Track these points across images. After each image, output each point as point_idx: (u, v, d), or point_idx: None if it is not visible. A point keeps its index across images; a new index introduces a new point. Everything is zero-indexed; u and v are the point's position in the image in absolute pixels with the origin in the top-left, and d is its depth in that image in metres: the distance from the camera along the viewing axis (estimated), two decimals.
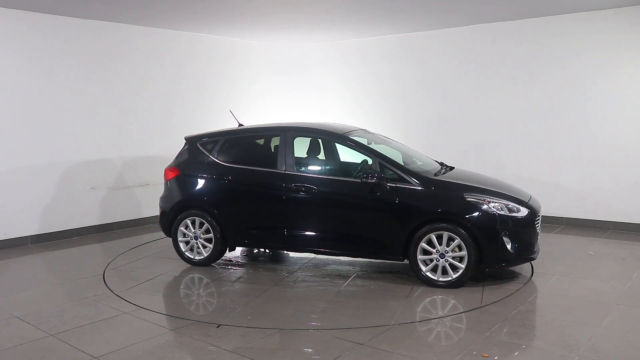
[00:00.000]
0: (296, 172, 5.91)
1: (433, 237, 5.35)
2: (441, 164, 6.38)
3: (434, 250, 5.36)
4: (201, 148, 6.41)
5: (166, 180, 6.54)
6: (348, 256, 6.04)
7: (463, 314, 4.77)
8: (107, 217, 8.30)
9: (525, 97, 8.39)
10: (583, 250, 6.85)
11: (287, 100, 10.87)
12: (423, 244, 5.39)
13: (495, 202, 5.34)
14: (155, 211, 8.64)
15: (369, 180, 5.47)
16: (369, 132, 6.65)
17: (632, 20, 7.42)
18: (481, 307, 4.88)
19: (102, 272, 6.16)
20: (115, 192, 8.36)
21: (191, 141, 6.54)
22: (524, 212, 5.42)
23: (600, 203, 7.91)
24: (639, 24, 7.39)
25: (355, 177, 5.74)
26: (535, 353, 4.00)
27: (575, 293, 5.27)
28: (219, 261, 6.50)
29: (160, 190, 7.34)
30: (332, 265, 6.29)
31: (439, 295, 5.23)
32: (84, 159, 7.97)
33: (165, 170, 6.59)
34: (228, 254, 6.75)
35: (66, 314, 4.90)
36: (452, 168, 6.27)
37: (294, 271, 6.14)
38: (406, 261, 5.57)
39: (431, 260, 5.39)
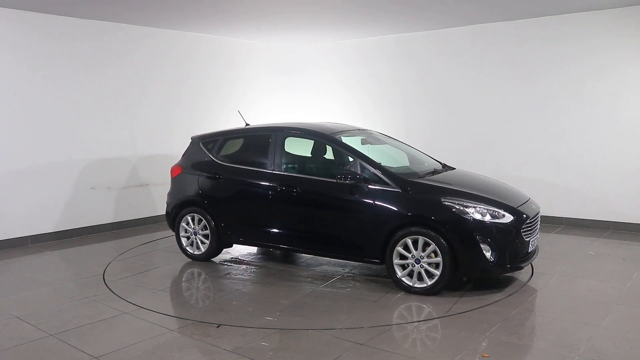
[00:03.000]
0: (282, 172, 5.97)
1: (409, 241, 5.17)
2: (444, 165, 6.33)
3: (410, 255, 5.19)
4: (203, 147, 6.62)
5: (172, 178, 6.80)
6: (330, 257, 6.06)
7: (433, 321, 4.74)
8: (107, 217, 8.30)
9: (525, 97, 8.39)
10: (583, 250, 6.85)
11: (287, 100, 10.87)
12: (399, 248, 5.22)
13: (475, 207, 5.08)
14: (156, 211, 8.81)
15: (345, 182, 5.43)
16: (367, 132, 6.60)
17: (632, 20, 7.42)
18: (446, 316, 4.71)
19: (102, 272, 6.16)
20: (115, 192, 8.36)
21: (195, 140, 6.77)
22: (508, 218, 5.10)
23: (600, 203, 7.91)
24: (639, 23, 7.40)
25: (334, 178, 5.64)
26: (535, 353, 4.01)
27: (575, 293, 5.26)
28: (226, 256, 6.68)
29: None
30: (324, 266, 6.28)
31: (407, 302, 5.05)
32: (84, 159, 7.97)
33: (171, 168, 6.86)
34: (244, 250, 6.95)
35: (66, 314, 4.90)
36: (452, 169, 6.24)
37: (282, 270, 6.19)
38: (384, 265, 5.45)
39: (407, 265, 5.23)
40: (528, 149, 8.41)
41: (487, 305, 4.94)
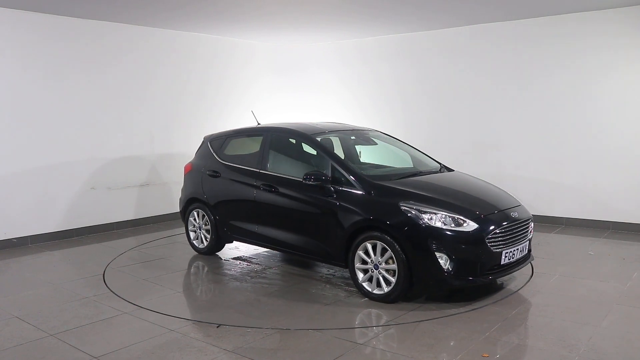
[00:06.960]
0: (267, 171, 6.03)
1: (369, 245, 5.03)
2: (442, 166, 6.25)
3: (370, 260, 5.05)
4: (209, 146, 6.87)
5: (184, 175, 7.13)
6: (303, 258, 6.09)
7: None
8: (107, 217, 8.30)
9: (525, 97, 8.39)
10: (583, 250, 6.85)
11: (287, 100, 10.87)
12: (360, 253, 5.09)
13: (434, 213, 4.80)
14: (155, 211, 8.83)
15: (310, 182, 5.36)
16: (362, 132, 6.53)
17: (632, 20, 7.42)
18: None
19: (102, 272, 6.16)
20: (115, 192, 8.36)
21: (205, 140, 7.04)
22: (471, 226, 4.76)
23: (600, 203, 7.91)
24: (639, 24, 7.40)
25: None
26: (535, 353, 4.01)
27: (575, 293, 5.26)
28: (234, 252, 6.88)
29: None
30: (314, 267, 6.28)
31: (367, 308, 4.93)
32: (84, 159, 7.97)
33: (185, 166, 7.19)
34: (252, 247, 7.07)
35: (66, 314, 4.90)
36: (451, 170, 6.18)
37: (271, 267, 6.26)
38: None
39: (368, 270, 5.09)
40: (528, 149, 8.41)
41: (487, 305, 4.94)
